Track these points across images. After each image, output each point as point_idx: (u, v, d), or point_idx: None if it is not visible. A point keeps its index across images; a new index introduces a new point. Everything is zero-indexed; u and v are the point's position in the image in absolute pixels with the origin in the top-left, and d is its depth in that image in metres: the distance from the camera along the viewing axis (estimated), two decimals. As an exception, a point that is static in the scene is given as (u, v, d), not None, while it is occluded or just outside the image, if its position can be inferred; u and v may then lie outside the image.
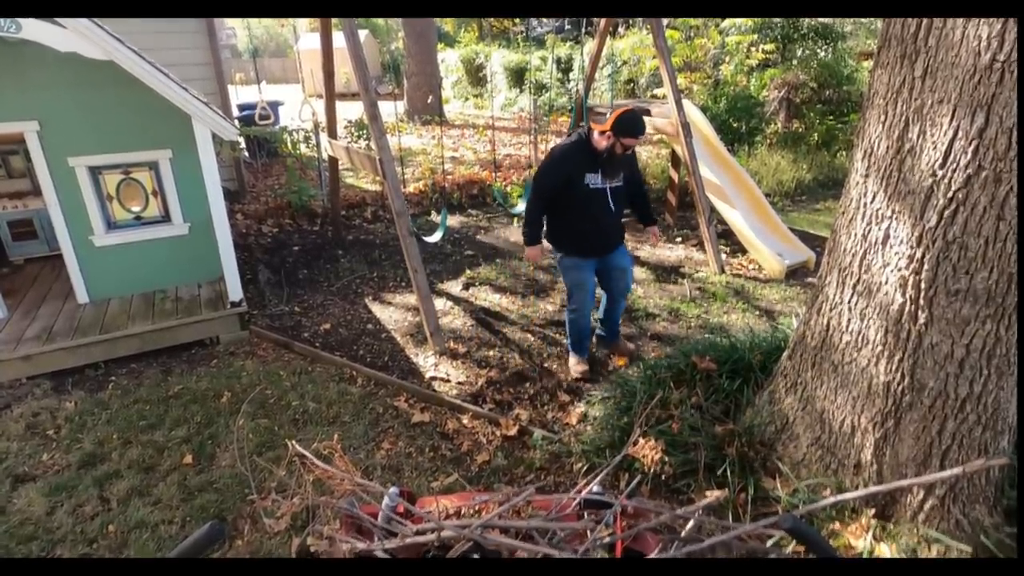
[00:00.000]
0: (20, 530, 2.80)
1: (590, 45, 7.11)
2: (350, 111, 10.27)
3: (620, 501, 1.37)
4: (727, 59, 10.35)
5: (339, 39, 4.61)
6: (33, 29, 3.44)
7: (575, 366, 3.96)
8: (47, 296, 4.76)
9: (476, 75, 18.16)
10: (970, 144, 1.91)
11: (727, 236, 6.31)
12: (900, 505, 2.36)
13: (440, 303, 5.13)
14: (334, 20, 5.43)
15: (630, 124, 3.29)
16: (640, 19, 14.05)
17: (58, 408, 3.70)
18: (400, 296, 5.33)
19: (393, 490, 1.42)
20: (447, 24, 24.13)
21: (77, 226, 4.39)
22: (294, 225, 7.13)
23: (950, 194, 1.99)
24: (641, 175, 3.79)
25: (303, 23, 25.29)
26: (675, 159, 6.77)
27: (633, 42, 12.59)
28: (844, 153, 9.26)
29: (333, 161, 6.16)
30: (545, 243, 3.80)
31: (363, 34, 19.49)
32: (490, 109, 14.11)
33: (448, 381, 3.99)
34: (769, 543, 2.00)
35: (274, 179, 9.12)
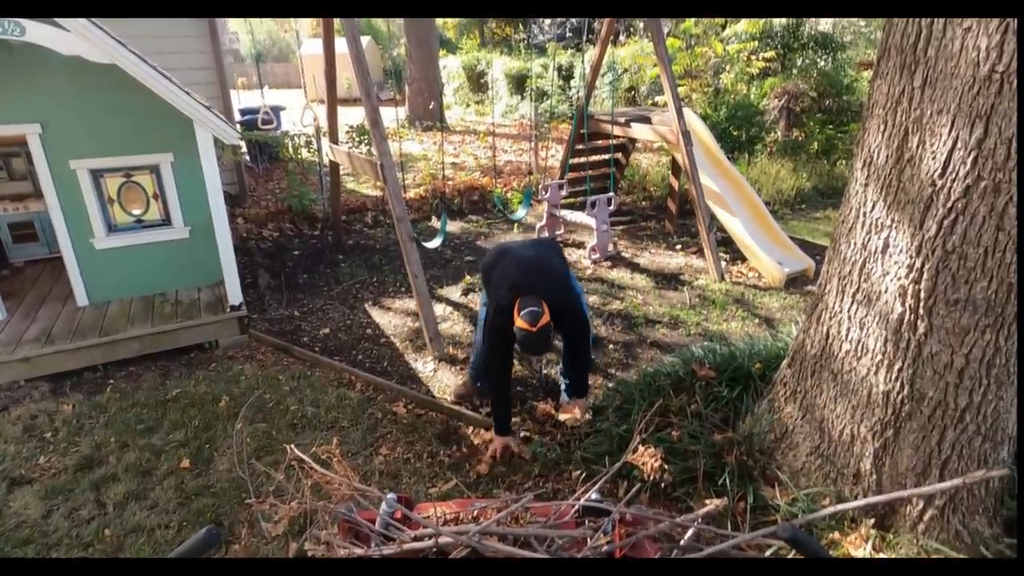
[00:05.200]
0: (16, 533, 2.78)
1: (591, 53, 7.15)
2: (352, 116, 10.30)
3: (619, 509, 1.37)
4: (727, 67, 10.40)
5: (341, 44, 4.63)
6: (36, 32, 3.45)
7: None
8: (47, 298, 4.75)
9: (477, 82, 18.23)
10: (969, 154, 1.92)
11: (727, 244, 6.32)
12: (899, 515, 2.36)
13: (440, 309, 5.13)
14: (336, 25, 5.45)
15: (529, 348, 3.02)
16: (641, 27, 14.14)
17: (56, 411, 3.69)
18: (400, 301, 5.33)
19: (391, 496, 1.42)
20: (449, 31, 24.24)
21: (78, 229, 4.39)
22: (295, 229, 7.14)
23: (949, 204, 2.00)
24: (579, 331, 3.22)
25: (306, 28, 25.41)
26: (675, 167, 6.79)
27: (634, 50, 12.65)
28: (844, 162, 9.29)
29: (334, 166, 6.17)
30: None
31: (365, 40, 19.58)
32: (491, 116, 14.16)
33: (447, 387, 3.99)
34: (768, 552, 2.00)
35: (275, 183, 9.14)
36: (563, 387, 3.74)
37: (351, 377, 4.07)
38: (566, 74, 14.74)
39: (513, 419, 3.59)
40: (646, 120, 6.68)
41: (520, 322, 2.86)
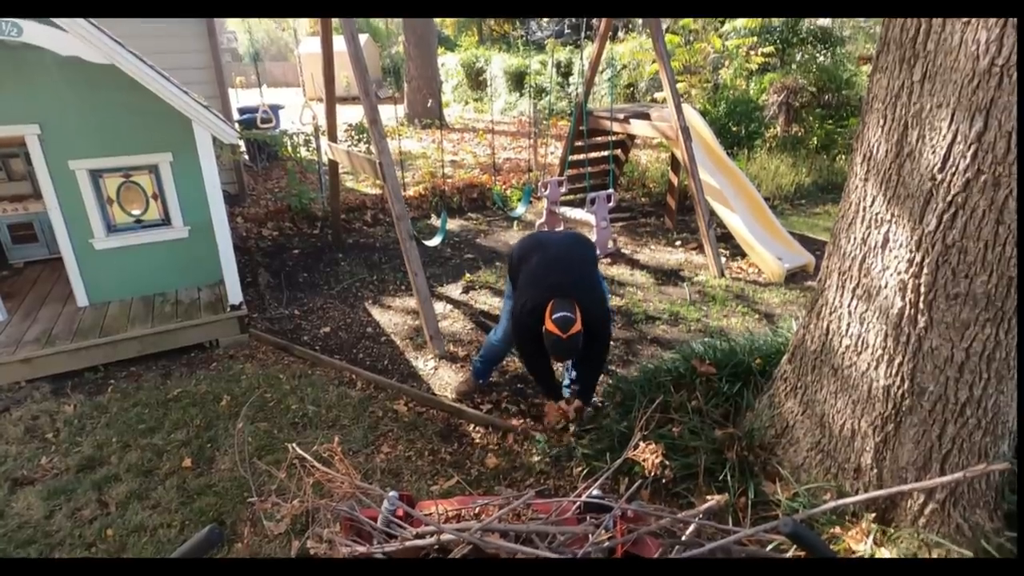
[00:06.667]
0: (18, 534, 2.79)
1: (590, 49, 7.13)
2: (350, 115, 10.29)
3: (620, 505, 1.37)
4: (726, 63, 10.38)
5: (339, 43, 4.63)
6: (34, 33, 3.45)
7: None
8: (47, 299, 4.76)
9: (476, 79, 18.21)
10: (969, 148, 1.92)
11: (727, 239, 6.32)
12: (900, 509, 2.36)
13: (440, 307, 5.13)
14: (335, 24, 5.45)
15: (557, 353, 2.99)
16: (640, 23, 14.11)
17: (57, 411, 3.70)
18: (400, 300, 5.33)
19: (393, 494, 1.42)
20: (447, 28, 24.19)
21: (77, 229, 4.39)
22: (294, 228, 7.13)
23: (949, 198, 1.99)
24: (601, 341, 3.19)
25: (304, 27, 25.36)
26: (675, 163, 6.78)
27: (633, 46, 12.62)
28: (843, 157, 9.28)
29: (333, 165, 6.17)
30: None
31: (363, 38, 19.55)
32: (490, 113, 14.14)
33: (448, 384, 3.99)
34: (769, 548, 2.00)
35: (274, 182, 9.13)
36: (566, 381, 3.74)
37: (352, 375, 4.08)
38: (565, 71, 14.72)
39: (515, 418, 3.60)
40: (645, 116, 6.67)
41: (551, 326, 2.81)
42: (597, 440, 3.08)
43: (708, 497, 1.56)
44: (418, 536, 1.33)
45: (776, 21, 10.58)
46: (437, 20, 20.46)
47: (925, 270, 2.11)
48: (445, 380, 4.04)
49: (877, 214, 2.24)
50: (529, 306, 2.99)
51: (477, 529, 1.30)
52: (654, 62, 9.16)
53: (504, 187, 8.39)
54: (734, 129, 8.88)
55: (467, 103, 18.21)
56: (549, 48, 14.10)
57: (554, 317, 2.82)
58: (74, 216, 4.35)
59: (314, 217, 7.30)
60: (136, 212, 4.57)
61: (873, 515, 2.35)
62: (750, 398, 3.02)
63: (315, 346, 4.53)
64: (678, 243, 6.60)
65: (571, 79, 14.40)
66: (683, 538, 1.37)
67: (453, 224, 7.42)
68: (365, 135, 9.12)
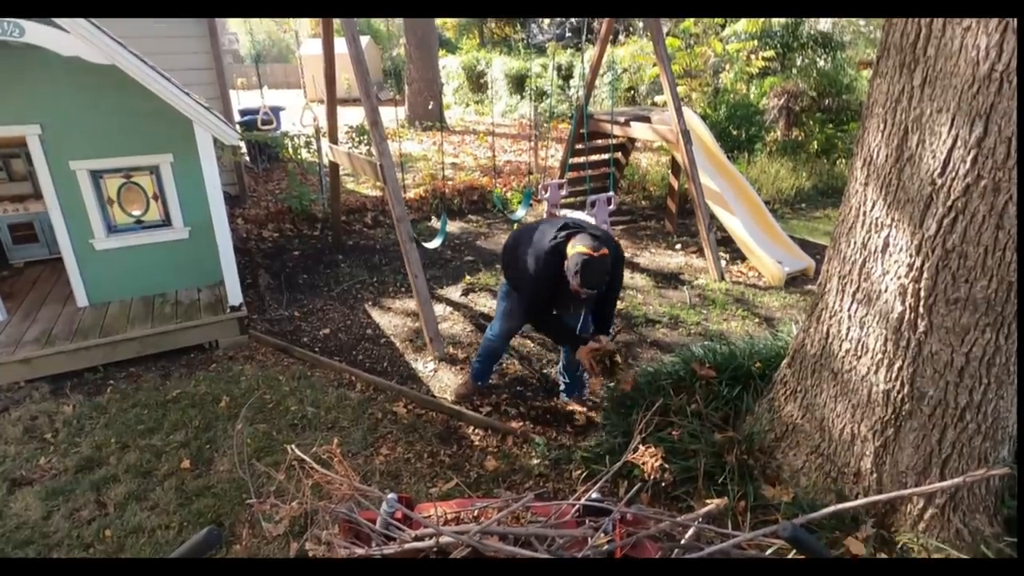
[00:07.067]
0: (17, 534, 2.78)
1: (591, 52, 7.15)
2: (351, 116, 10.30)
3: (619, 508, 1.37)
4: (727, 67, 10.39)
5: (341, 45, 4.63)
6: (36, 33, 3.45)
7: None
8: (47, 299, 4.75)
9: (477, 81, 18.23)
10: (969, 153, 1.92)
11: (727, 243, 6.32)
12: (900, 514, 2.36)
13: (440, 309, 5.13)
14: (336, 25, 5.45)
15: (589, 276, 2.72)
16: (641, 27, 14.14)
17: (56, 412, 3.69)
18: (400, 301, 5.33)
19: (391, 496, 1.42)
20: (449, 30, 24.23)
21: (78, 229, 4.39)
22: (294, 230, 7.13)
23: (949, 203, 2.00)
24: (617, 285, 3.15)
25: (305, 28, 25.41)
26: (675, 166, 6.79)
27: (633, 50, 12.65)
28: (843, 161, 9.29)
29: (334, 166, 6.17)
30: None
31: (365, 40, 19.58)
32: (491, 115, 14.16)
33: (447, 387, 3.99)
34: (768, 552, 2.00)
35: (275, 184, 9.14)
36: (561, 386, 3.74)
37: (351, 377, 4.07)
38: (565, 74, 14.74)
39: (515, 416, 3.59)
40: (646, 119, 6.68)
41: (582, 247, 2.68)
42: (596, 443, 3.08)
43: (707, 501, 1.56)
44: (417, 538, 1.33)
45: (776, 25, 10.60)
46: (438, 22, 20.51)
47: (925, 275, 2.11)
48: (445, 382, 4.04)
49: (877, 218, 2.24)
50: (549, 246, 2.84)
51: (476, 532, 1.30)
52: (655, 65, 9.19)
53: (504, 189, 8.40)
54: (734, 133, 8.90)
55: (468, 105, 18.23)
56: (550, 51, 14.13)
57: (579, 237, 2.73)
58: (74, 216, 4.35)
59: (314, 219, 7.30)
60: (136, 213, 4.57)
61: (873, 519, 2.34)
62: (750, 402, 3.02)
63: (315, 348, 4.53)
64: (678, 246, 6.61)
65: (572, 82, 14.43)
66: (682, 542, 1.36)
67: (453, 226, 7.42)
68: (366, 137, 9.11)
